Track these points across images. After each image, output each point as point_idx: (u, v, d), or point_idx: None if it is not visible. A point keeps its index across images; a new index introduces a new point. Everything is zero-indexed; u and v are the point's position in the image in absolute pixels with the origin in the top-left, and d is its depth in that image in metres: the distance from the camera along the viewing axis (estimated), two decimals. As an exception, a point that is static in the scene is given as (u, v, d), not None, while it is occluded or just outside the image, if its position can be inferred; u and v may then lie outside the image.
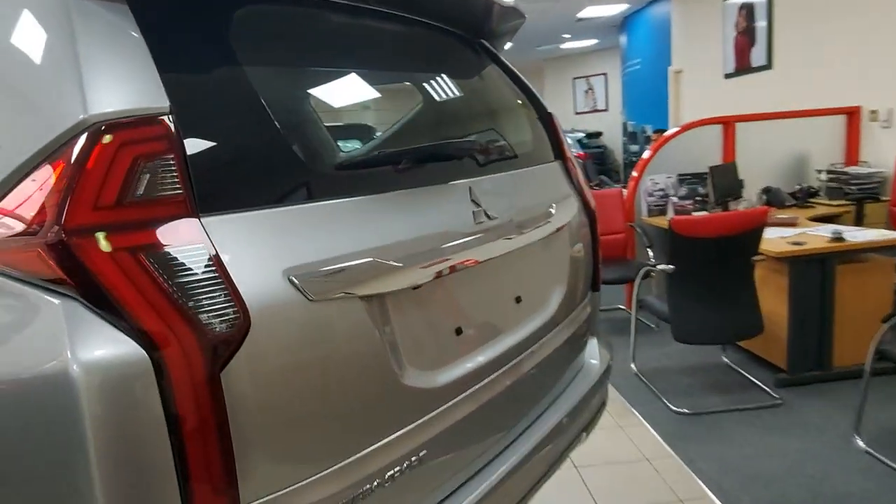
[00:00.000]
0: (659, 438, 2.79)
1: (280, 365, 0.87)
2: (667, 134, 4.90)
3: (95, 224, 0.76)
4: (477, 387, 1.24)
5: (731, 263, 2.97)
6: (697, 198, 4.36)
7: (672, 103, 8.64)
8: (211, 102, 0.95)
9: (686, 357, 3.65)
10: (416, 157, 1.20)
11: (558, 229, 1.57)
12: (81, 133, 0.78)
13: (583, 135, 12.90)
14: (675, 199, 4.37)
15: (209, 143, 0.90)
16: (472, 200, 1.27)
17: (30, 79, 0.88)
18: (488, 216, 1.29)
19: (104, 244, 0.76)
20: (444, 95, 1.52)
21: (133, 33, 0.87)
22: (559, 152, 1.78)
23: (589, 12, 9.63)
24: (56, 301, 0.74)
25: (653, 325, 4.21)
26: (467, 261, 1.21)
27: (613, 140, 12.82)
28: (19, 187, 0.81)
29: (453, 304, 1.23)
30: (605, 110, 14.14)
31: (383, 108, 1.43)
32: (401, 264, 1.05)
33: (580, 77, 14.57)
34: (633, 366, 3.53)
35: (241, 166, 0.93)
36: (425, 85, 1.50)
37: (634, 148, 10.41)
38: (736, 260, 2.97)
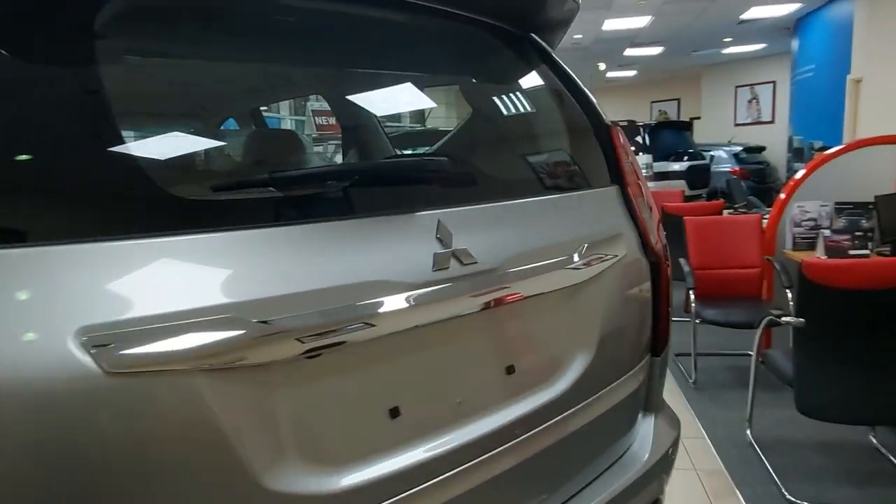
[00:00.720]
0: (762, 535, 2.23)
1: (50, 463, 0.63)
2: (827, 152, 4.11)
3: None
4: (420, 488, 0.93)
5: (884, 324, 2.31)
6: (858, 233, 3.57)
7: (848, 117, 7.42)
8: (11, 100, 0.72)
9: (822, 429, 2.95)
10: (339, 180, 0.92)
11: (589, 278, 1.20)
12: None
13: (740, 149, 11.64)
14: (827, 232, 3.61)
15: None
16: (438, 238, 0.96)
17: None
18: (460, 260, 0.97)
19: None
20: (425, 100, 1.22)
21: None
22: (617, 175, 1.40)
23: (754, 13, 8.62)
24: None
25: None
26: (407, 321, 0.91)
27: (778, 156, 11.43)
28: None
29: (388, 376, 0.93)
30: (770, 122, 12.69)
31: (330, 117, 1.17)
32: (280, 327, 0.77)
33: (744, 85, 13.20)
34: (748, 432, 2.92)
35: (43, 185, 0.70)
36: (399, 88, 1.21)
37: (799, 166, 9.16)
38: (893, 321, 2.30)
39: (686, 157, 9.75)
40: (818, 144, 8.34)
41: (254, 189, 0.85)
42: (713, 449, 2.83)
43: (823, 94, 8.39)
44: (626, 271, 1.31)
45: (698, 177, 9.62)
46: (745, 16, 8.78)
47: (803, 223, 3.81)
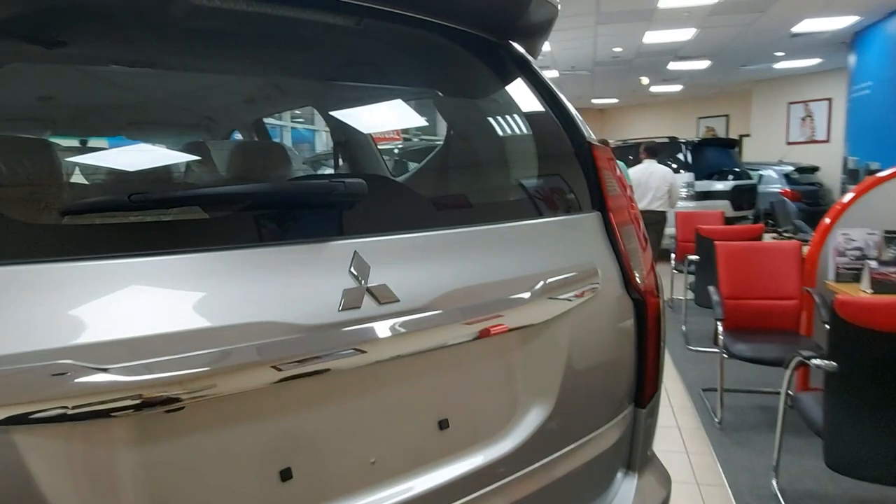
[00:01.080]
0: None
1: None
2: (878, 175, 3.79)
3: None
4: None
5: (931, 373, 2.04)
6: (908, 265, 3.25)
7: (908, 137, 6.97)
8: None
9: (858, 484, 2.64)
10: (224, 203, 0.78)
11: (547, 319, 1.03)
12: None
13: (792, 168, 11.10)
14: (873, 263, 3.30)
15: None
16: (351, 272, 0.82)
17: None
18: (376, 298, 0.83)
19: None
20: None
21: None
22: (600, 201, 1.23)
23: (807, 26, 8.20)
24: None
25: (823, 425, 3.20)
26: (298, 369, 0.76)
27: (833, 177, 10.87)
28: None
29: (277, 431, 0.78)
30: (824, 141, 12.10)
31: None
32: (122, 376, 0.64)
33: (797, 102, 12.63)
34: (774, 482, 2.65)
35: None
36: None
37: (853, 188, 8.64)
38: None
39: (731, 176, 9.34)
40: (875, 166, 7.85)
41: (109, 213, 0.73)
42: (732, 499, 2.57)
43: (882, 113, 7.92)
44: (601, 311, 1.13)
45: (744, 197, 9.18)
46: (797, 29, 8.38)
47: (848, 252, 3.50)
